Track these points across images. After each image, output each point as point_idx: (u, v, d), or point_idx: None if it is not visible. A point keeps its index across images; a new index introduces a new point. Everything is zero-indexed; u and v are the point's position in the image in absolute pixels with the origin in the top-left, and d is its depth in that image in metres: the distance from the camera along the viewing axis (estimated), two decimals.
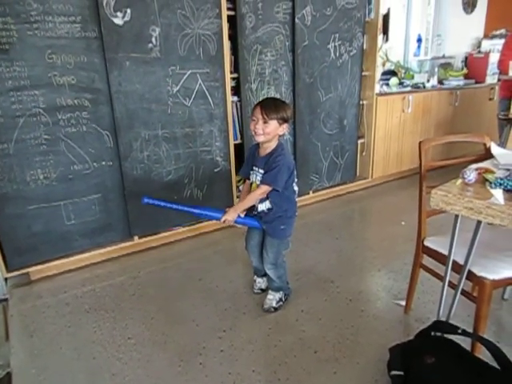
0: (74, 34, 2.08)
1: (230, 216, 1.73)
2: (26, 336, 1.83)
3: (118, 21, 2.18)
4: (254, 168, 1.81)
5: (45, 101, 2.08)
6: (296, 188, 1.85)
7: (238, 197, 2.86)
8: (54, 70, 2.07)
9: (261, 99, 1.77)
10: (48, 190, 2.20)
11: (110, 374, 1.56)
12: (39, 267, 2.28)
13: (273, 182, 1.70)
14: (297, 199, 1.88)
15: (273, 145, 1.74)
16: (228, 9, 2.53)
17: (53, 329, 1.85)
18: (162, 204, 1.77)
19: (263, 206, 1.80)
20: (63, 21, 2.04)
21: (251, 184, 1.88)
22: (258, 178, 1.78)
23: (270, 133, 1.66)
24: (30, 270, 2.26)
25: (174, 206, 1.75)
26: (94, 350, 1.69)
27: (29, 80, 2.02)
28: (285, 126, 1.70)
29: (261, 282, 2.07)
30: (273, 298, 1.93)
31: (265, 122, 1.64)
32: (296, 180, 1.84)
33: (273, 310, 1.91)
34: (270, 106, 1.65)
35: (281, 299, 1.94)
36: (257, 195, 1.75)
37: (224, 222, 1.74)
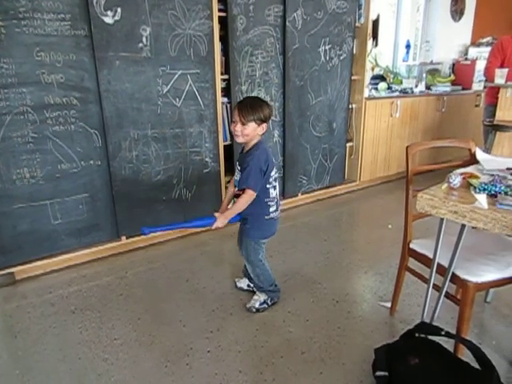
0: (63, 32, 2.06)
1: (221, 223, 1.69)
2: (10, 337, 1.80)
3: (108, 19, 2.16)
4: (237, 165, 1.83)
5: (32, 99, 2.06)
6: (272, 191, 1.78)
7: None
8: (43, 67, 2.05)
9: (241, 99, 1.76)
10: (34, 188, 2.17)
11: (95, 375, 1.54)
12: (24, 267, 2.25)
13: (250, 185, 1.68)
14: (273, 202, 1.80)
15: (251, 144, 1.74)
16: (219, 10, 2.54)
17: (38, 329, 1.83)
18: (160, 229, 1.77)
19: None
20: (52, 18, 2.02)
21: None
22: (236, 173, 1.82)
23: (248, 134, 1.68)
24: (14, 269, 2.22)
25: (170, 227, 1.83)
26: (80, 351, 1.68)
27: (16, 77, 1.99)
28: (264, 125, 1.71)
29: (239, 281, 2.12)
30: (257, 299, 1.94)
31: (243, 124, 1.65)
32: (274, 184, 1.79)
33: (254, 310, 1.91)
34: (247, 108, 1.65)
35: (265, 302, 1.94)
36: (244, 201, 1.70)
37: (216, 229, 1.72)
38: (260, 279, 1.92)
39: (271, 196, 1.78)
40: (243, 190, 1.71)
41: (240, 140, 1.71)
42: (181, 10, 2.37)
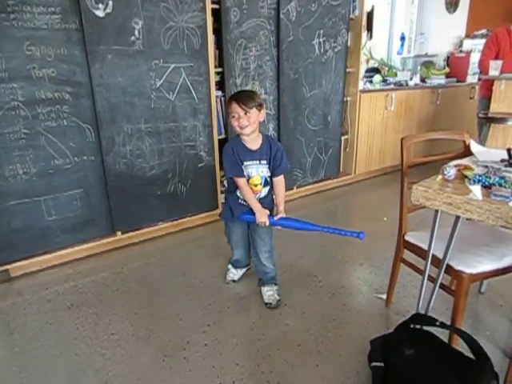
0: (53, 26, 2.03)
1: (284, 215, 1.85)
2: (7, 333, 1.79)
3: (100, 13, 2.13)
4: (249, 162, 1.75)
5: (24, 94, 2.03)
6: None
7: (222, 192, 2.85)
8: (33, 62, 2.02)
9: (231, 95, 1.75)
10: (28, 185, 2.15)
11: (92, 370, 1.55)
12: (19, 264, 2.23)
13: (287, 167, 1.86)
14: None
15: (260, 135, 1.78)
16: (212, 2, 2.51)
17: (34, 326, 1.82)
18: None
19: (264, 192, 1.86)
20: (42, 11, 1.99)
21: (248, 179, 1.78)
22: (261, 169, 1.79)
23: (254, 121, 1.70)
24: (9, 266, 2.21)
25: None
26: (77, 347, 1.68)
27: (6, 72, 1.96)
28: (263, 111, 1.74)
29: (236, 274, 2.14)
30: (273, 293, 1.94)
31: (246, 113, 1.66)
32: None
33: (275, 303, 1.90)
34: (245, 97, 1.67)
35: (278, 291, 1.96)
36: (283, 185, 1.87)
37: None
38: (275, 265, 1.96)
39: None
40: (271, 180, 1.84)
41: (249, 130, 1.70)
42: (173, 3, 2.34)
